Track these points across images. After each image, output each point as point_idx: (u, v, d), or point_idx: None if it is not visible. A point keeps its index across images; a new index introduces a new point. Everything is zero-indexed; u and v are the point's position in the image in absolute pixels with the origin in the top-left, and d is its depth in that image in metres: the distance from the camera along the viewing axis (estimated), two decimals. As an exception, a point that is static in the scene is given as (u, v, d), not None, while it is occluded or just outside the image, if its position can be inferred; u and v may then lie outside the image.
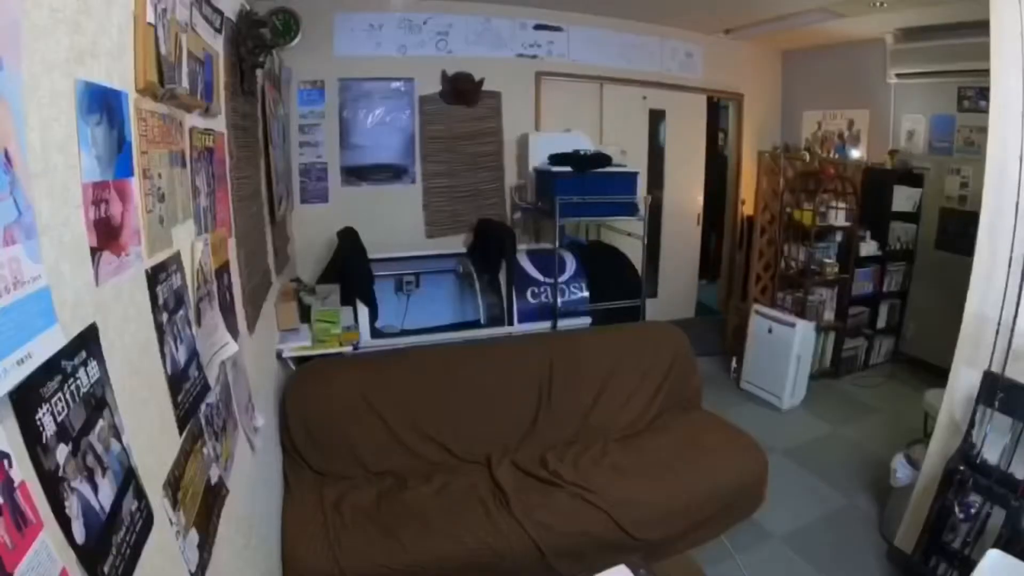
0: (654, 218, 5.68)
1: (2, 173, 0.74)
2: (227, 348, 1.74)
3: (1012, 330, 2.37)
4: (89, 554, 0.88)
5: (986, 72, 2.45)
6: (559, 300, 4.26)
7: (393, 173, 4.93)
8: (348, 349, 3.25)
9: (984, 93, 4.32)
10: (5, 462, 0.73)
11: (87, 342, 0.95)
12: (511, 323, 4.19)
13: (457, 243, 5.03)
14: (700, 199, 6.33)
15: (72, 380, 0.89)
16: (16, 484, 0.74)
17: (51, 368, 0.83)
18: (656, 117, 5.95)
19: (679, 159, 6.10)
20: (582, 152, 4.38)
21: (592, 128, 5.20)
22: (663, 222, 6.09)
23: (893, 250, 5.30)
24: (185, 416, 1.38)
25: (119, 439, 1.03)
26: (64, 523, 0.83)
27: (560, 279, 4.29)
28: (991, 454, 2.41)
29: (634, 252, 4.60)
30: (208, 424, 1.56)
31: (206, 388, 1.55)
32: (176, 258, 1.41)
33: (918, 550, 2.57)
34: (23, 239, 0.78)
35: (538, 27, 5.19)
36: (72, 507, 0.86)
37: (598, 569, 1.89)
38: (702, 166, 6.30)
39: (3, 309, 0.73)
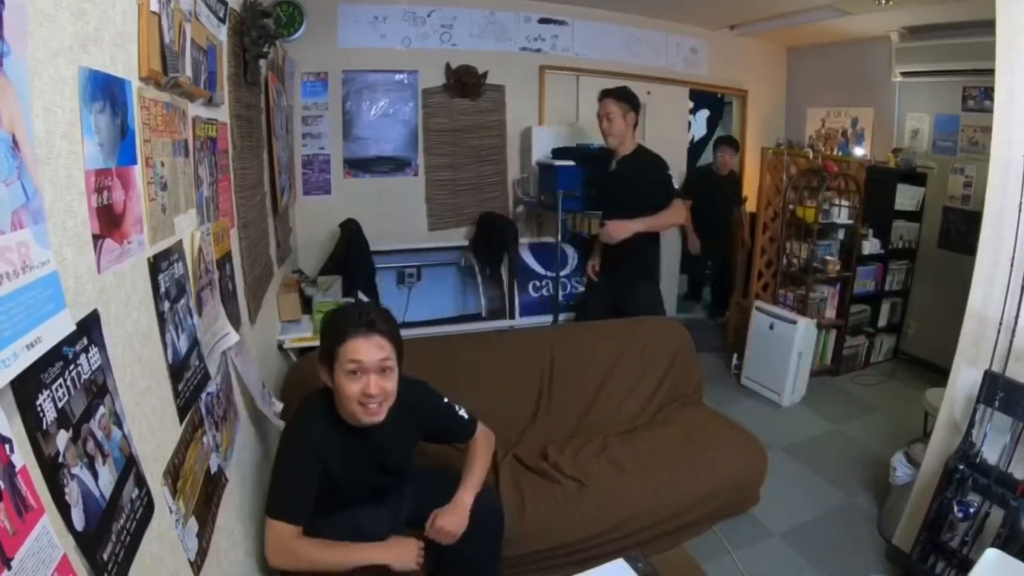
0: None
1: (10, 157, 0.75)
2: (228, 338, 1.75)
3: (1013, 330, 2.36)
4: (88, 540, 0.88)
5: (991, 71, 2.44)
6: (560, 294, 4.26)
7: (396, 165, 4.93)
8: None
9: (989, 93, 4.33)
10: (6, 447, 0.73)
11: (89, 329, 0.95)
12: (512, 316, 4.20)
13: (459, 236, 5.04)
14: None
15: (73, 366, 0.89)
16: (17, 469, 0.74)
17: (52, 354, 0.83)
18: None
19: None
20: (585, 146, 4.37)
21: (595, 122, 5.17)
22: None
23: (895, 248, 5.28)
24: (185, 405, 1.38)
25: (120, 426, 1.03)
26: (64, 509, 0.84)
27: (562, 273, 4.29)
28: (991, 454, 2.41)
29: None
30: (208, 413, 1.56)
31: (206, 377, 1.56)
32: (178, 247, 1.42)
33: (916, 548, 2.57)
34: (31, 223, 0.79)
35: (542, 21, 5.18)
36: (72, 493, 0.86)
37: (596, 562, 1.90)
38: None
39: (13, 293, 0.74)
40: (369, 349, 1.80)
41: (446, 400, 2.20)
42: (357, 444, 1.95)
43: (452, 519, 2.00)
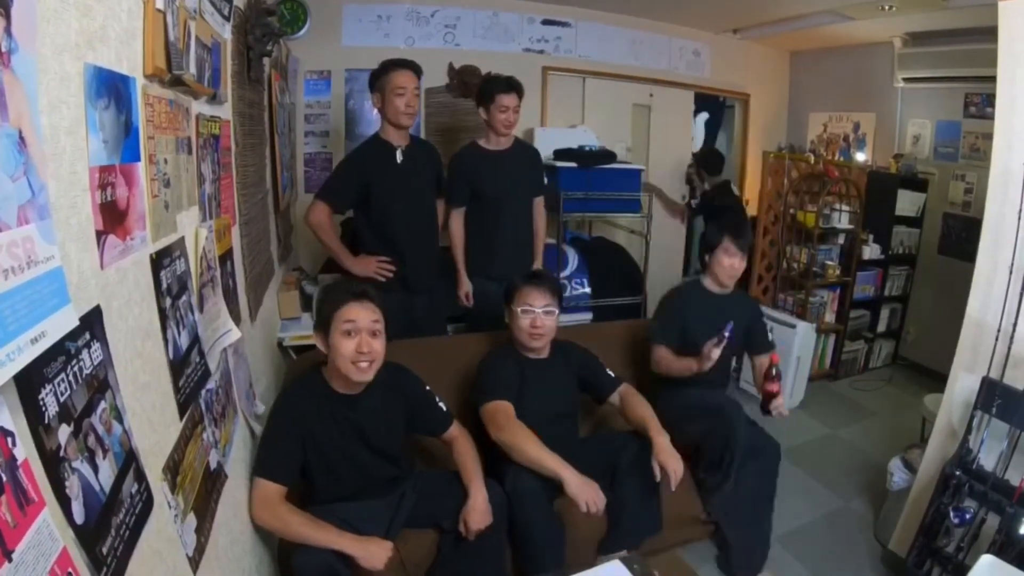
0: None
1: (17, 153, 0.75)
2: (229, 335, 1.76)
3: (1012, 337, 2.36)
4: (88, 534, 0.89)
5: (993, 78, 2.45)
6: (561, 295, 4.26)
7: (398, 165, 4.91)
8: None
9: (991, 100, 4.32)
10: (8, 440, 0.74)
11: (91, 324, 0.96)
12: (511, 317, 4.18)
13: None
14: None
15: (75, 361, 0.90)
16: (19, 462, 0.75)
17: (55, 349, 0.84)
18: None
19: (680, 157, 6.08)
20: (587, 148, 4.38)
21: (597, 124, 5.19)
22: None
23: (895, 254, 5.28)
24: (186, 401, 1.39)
25: (121, 421, 1.04)
26: (64, 503, 0.84)
27: (562, 274, 4.29)
28: (987, 460, 2.41)
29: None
30: (208, 410, 1.57)
31: (207, 374, 1.57)
32: (180, 244, 1.42)
33: (912, 554, 2.58)
34: (36, 219, 0.79)
35: (546, 22, 5.19)
36: (72, 487, 0.87)
37: (593, 564, 1.91)
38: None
39: (18, 288, 0.74)
40: (362, 312, 2.04)
41: (428, 388, 2.40)
42: (341, 413, 2.13)
43: (478, 515, 2.16)
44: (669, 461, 2.30)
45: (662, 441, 2.37)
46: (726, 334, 2.56)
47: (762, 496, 2.76)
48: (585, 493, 2.18)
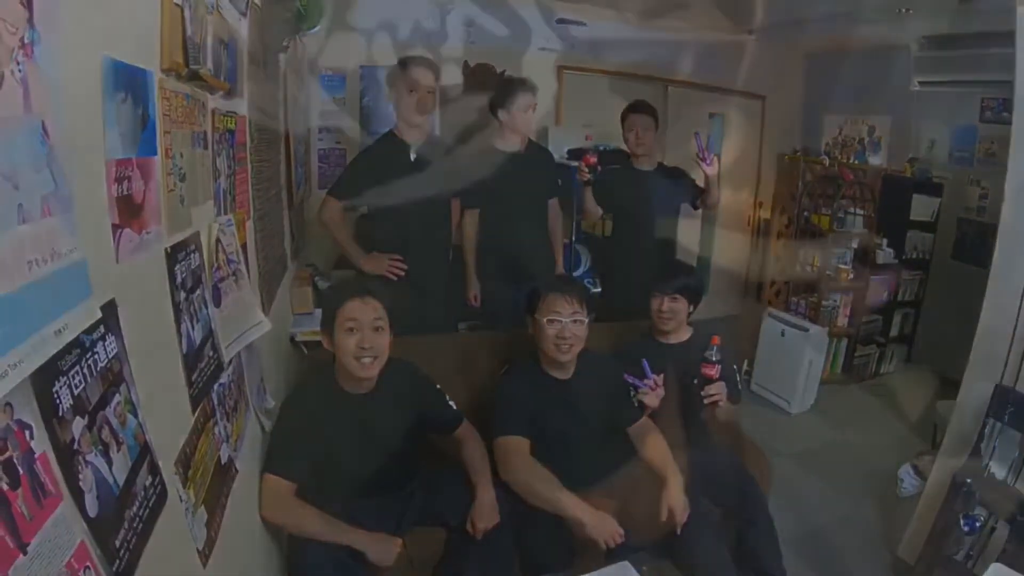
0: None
1: (41, 144, 0.76)
2: (260, 326, 1.77)
3: (1026, 344, 2.36)
4: (101, 527, 0.89)
5: (1010, 83, 2.43)
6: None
7: (411, 162, 4.92)
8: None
9: (1007, 105, 4.28)
10: (26, 433, 0.74)
11: (106, 317, 0.96)
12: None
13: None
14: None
15: (90, 354, 0.90)
16: (36, 455, 0.75)
17: (70, 342, 0.84)
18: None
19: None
20: (601, 148, 4.37)
21: (612, 124, 5.17)
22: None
23: (909, 259, 5.26)
24: (198, 395, 1.39)
25: (135, 414, 1.04)
26: (77, 495, 0.85)
27: (574, 273, 4.29)
28: (999, 468, 2.40)
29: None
30: (220, 404, 1.57)
31: (220, 368, 1.57)
32: (195, 238, 1.43)
33: (921, 561, 2.56)
34: (60, 211, 0.80)
35: (561, 21, 5.18)
36: (86, 480, 0.87)
37: (600, 565, 1.90)
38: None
39: (41, 280, 0.75)
40: (364, 309, 2.04)
41: (437, 387, 2.40)
42: (351, 412, 2.13)
43: (485, 515, 2.15)
44: (676, 504, 2.24)
45: (674, 483, 2.29)
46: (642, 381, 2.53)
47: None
48: (603, 532, 2.12)
